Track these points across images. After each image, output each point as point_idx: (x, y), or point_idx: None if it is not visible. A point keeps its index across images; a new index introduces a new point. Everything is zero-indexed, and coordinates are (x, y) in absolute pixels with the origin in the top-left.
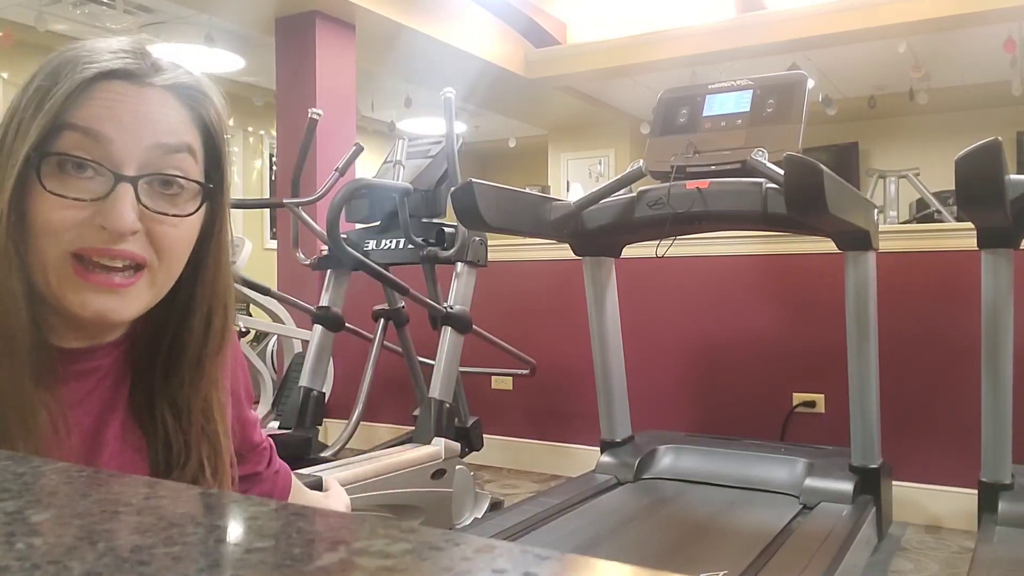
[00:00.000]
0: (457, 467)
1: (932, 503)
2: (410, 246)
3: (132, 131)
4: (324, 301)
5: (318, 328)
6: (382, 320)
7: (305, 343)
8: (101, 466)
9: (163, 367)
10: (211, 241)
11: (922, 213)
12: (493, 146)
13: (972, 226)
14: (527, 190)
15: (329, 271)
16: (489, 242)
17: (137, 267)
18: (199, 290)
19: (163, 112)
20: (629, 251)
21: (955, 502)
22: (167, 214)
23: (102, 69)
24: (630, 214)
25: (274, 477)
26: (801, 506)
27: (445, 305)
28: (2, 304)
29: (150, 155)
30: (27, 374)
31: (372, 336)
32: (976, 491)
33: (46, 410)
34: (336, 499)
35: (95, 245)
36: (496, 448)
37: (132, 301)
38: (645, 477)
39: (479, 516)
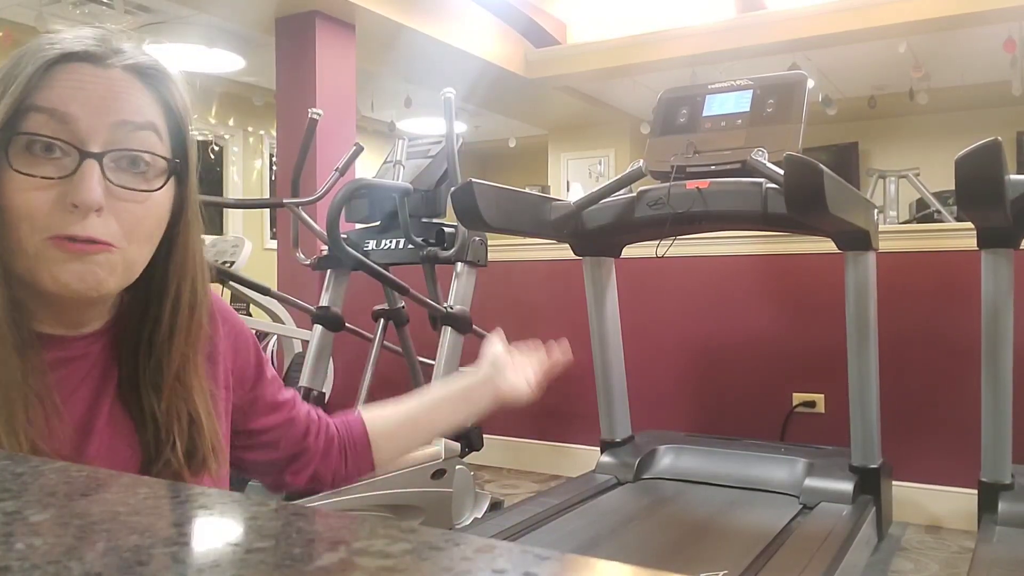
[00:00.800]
0: (457, 467)
1: (932, 503)
2: (410, 246)
3: (97, 110)
4: (324, 301)
5: (318, 328)
6: (382, 320)
7: (305, 343)
8: (91, 455)
9: (147, 352)
10: (180, 223)
11: (922, 213)
12: (493, 146)
13: (972, 226)
14: (527, 190)
15: (329, 271)
16: (489, 242)
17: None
18: (171, 270)
19: (127, 92)
20: (629, 251)
21: (955, 502)
22: (134, 189)
23: (64, 51)
24: (630, 214)
25: (325, 456)
26: (801, 506)
27: (445, 305)
28: None
29: (115, 133)
30: (15, 356)
31: (372, 336)
32: (976, 491)
33: (38, 399)
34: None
35: (67, 231)
36: (496, 448)
37: (108, 270)
38: (645, 477)
39: (479, 516)
